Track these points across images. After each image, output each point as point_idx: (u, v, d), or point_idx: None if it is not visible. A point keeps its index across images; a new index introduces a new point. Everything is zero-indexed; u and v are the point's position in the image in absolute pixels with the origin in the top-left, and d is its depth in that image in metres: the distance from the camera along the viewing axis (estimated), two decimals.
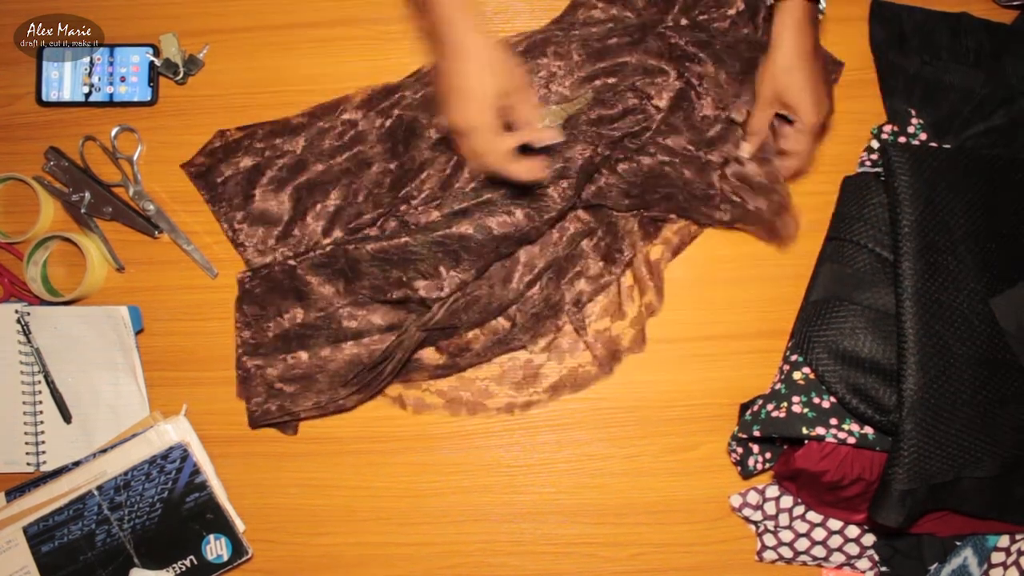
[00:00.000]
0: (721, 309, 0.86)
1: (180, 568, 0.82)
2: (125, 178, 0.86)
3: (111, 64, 0.87)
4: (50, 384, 0.85)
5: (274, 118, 0.87)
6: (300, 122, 0.86)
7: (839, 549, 0.81)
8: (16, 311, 0.85)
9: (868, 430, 0.75)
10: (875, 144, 0.84)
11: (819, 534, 0.80)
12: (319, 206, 0.85)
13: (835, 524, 0.80)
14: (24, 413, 0.85)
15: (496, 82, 0.67)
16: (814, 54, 0.74)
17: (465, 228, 0.79)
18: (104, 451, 0.83)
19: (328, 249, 0.83)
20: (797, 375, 0.78)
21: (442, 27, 0.67)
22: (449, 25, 0.67)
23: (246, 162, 0.86)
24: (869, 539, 0.80)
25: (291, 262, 0.83)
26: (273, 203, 0.85)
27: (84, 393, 0.85)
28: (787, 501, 0.81)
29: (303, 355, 0.84)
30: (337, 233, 0.85)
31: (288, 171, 0.85)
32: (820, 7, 0.74)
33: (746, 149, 0.80)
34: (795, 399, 0.76)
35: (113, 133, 0.87)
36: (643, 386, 0.86)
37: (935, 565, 0.79)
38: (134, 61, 0.87)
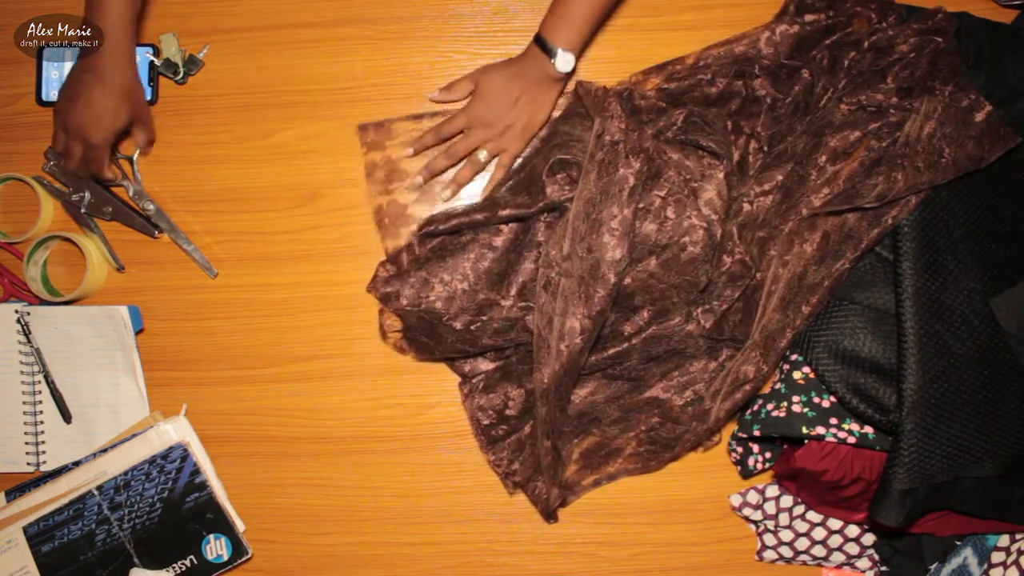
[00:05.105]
0: None
1: (180, 568, 0.82)
2: (125, 178, 0.86)
3: None
4: (50, 384, 0.85)
5: (274, 119, 0.87)
6: None
7: (839, 549, 0.81)
8: (16, 311, 0.85)
9: (868, 429, 0.75)
10: None
11: (819, 534, 0.80)
12: None
13: (835, 524, 0.80)
14: (24, 413, 0.85)
15: (127, 110, 0.78)
16: None
17: None
18: (104, 451, 0.83)
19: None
20: (797, 375, 0.78)
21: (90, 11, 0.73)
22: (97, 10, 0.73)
23: None
24: (869, 539, 0.80)
25: None
26: None
27: (84, 393, 0.85)
28: (787, 501, 0.81)
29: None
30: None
31: None
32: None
33: None
34: (795, 398, 0.76)
35: None
36: None
37: (935, 565, 0.79)
38: None
